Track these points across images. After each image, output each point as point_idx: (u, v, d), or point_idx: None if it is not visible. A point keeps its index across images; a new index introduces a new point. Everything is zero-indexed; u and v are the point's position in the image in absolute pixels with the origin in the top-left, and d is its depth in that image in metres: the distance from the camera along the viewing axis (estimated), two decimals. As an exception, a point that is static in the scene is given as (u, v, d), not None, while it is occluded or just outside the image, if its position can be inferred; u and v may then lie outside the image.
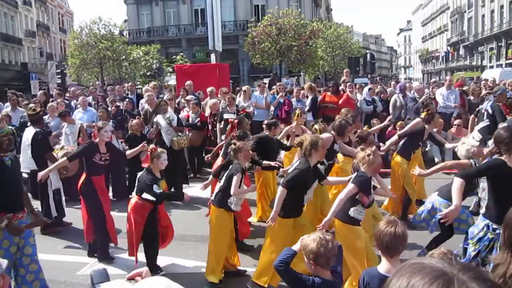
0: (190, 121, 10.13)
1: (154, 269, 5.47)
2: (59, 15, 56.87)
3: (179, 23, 41.57)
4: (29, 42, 46.71)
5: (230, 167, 5.41)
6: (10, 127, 8.10)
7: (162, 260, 5.92)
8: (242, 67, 40.06)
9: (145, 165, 5.72)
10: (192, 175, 10.48)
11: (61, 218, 7.60)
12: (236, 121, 7.80)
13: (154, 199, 5.38)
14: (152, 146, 5.85)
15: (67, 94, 14.24)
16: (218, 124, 10.22)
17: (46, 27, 51.40)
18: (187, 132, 9.85)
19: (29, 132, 7.32)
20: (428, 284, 0.83)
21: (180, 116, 9.94)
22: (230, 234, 5.40)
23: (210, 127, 10.61)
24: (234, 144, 5.51)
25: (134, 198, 5.61)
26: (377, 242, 3.07)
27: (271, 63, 31.49)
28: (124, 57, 31.90)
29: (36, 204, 8.37)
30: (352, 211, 4.52)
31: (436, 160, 10.35)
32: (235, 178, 5.13)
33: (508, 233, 1.80)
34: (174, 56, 30.70)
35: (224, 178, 5.39)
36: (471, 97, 12.04)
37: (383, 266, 3.06)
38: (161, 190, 5.40)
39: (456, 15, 60.24)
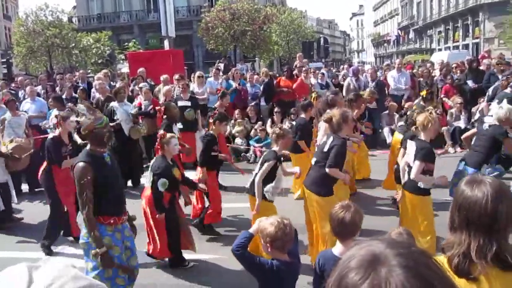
0: (142, 109, 9.93)
1: (180, 263, 5.33)
2: (2, 1, 54.13)
3: (131, 9, 40.55)
4: (-30, 30, 44.37)
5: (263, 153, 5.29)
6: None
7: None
8: (197, 53, 39.63)
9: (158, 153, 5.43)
10: (149, 163, 10.32)
11: (10, 213, 7.32)
12: (163, 107, 7.70)
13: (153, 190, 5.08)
14: (161, 132, 5.58)
15: (13, 84, 13.66)
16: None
17: (-11, 14, 48.92)
18: (141, 121, 9.67)
19: None
20: (355, 271, 0.86)
21: (133, 104, 9.77)
22: None
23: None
24: (280, 128, 5.27)
25: (148, 189, 5.27)
26: (331, 224, 3.14)
27: (225, 49, 31.30)
28: (73, 44, 30.88)
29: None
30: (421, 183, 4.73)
31: (388, 141, 10.65)
32: (265, 165, 4.95)
33: (465, 213, 1.84)
34: (126, 43, 30.01)
35: (258, 164, 5.18)
36: (421, 79, 12.41)
37: (338, 249, 3.10)
38: (164, 189, 4.98)
39: (406, 0, 61.67)
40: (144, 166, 9.90)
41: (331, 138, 4.90)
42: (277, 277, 3.03)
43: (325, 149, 4.89)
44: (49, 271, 0.89)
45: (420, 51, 50.45)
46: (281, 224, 2.95)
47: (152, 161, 5.49)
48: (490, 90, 10.47)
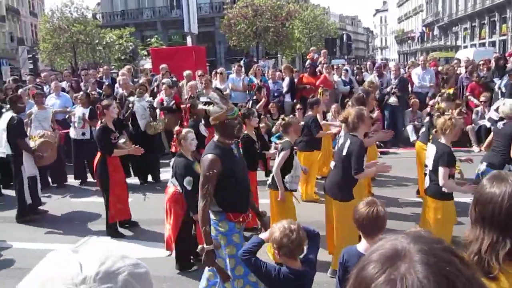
0: (164, 105, 10.00)
1: (186, 266, 5.29)
2: (29, -2, 55.21)
3: (154, 5, 40.91)
4: (-2, 27, 45.32)
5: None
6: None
7: (140, 248, 5.88)
8: (219, 50, 39.75)
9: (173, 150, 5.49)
10: (172, 159, 10.42)
11: (37, 206, 7.47)
12: (188, 105, 7.68)
13: (180, 191, 5.01)
14: (176, 128, 5.59)
15: (38, 80, 13.91)
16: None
17: (16, 11, 49.84)
18: (163, 116, 9.74)
19: (6, 116, 7.18)
20: (374, 264, 0.86)
21: (155, 100, 9.88)
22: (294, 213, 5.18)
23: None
24: (283, 119, 5.32)
25: (172, 187, 5.28)
26: (355, 222, 3.07)
27: (247, 45, 31.29)
28: (97, 41, 31.28)
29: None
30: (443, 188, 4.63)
31: (411, 139, 10.50)
32: (280, 155, 4.96)
33: (480, 209, 1.80)
34: (149, 40, 30.25)
35: (277, 157, 5.20)
36: (445, 77, 12.17)
37: (363, 245, 3.06)
38: (190, 187, 4.80)
39: (431, -5, 60.69)
40: (167, 161, 10.00)
41: (348, 141, 4.79)
42: (284, 285, 2.91)
43: (344, 152, 4.78)
44: (97, 252, 0.93)
45: (445, 48, 49.60)
46: (287, 230, 2.81)
47: (171, 161, 5.45)
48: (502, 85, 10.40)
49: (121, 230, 6.57)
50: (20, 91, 10.17)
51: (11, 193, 8.61)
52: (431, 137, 6.20)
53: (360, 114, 4.78)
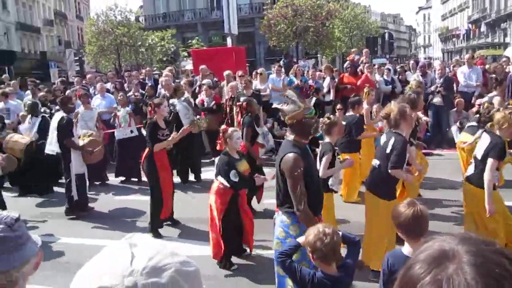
0: (205, 105, 10.12)
1: (228, 265, 5.35)
2: (75, 3, 57.11)
3: (195, 7, 41.45)
4: (47, 31, 47.08)
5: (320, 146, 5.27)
6: None
7: (182, 246, 5.98)
8: (259, 50, 39.86)
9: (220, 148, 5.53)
10: (213, 159, 10.55)
11: (85, 203, 7.71)
12: (244, 103, 7.72)
13: (228, 185, 5.14)
14: (223, 127, 5.68)
15: (83, 81, 14.35)
16: (235, 108, 10.18)
17: (63, 15, 51.70)
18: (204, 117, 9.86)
19: (57, 116, 7.48)
20: (421, 264, 0.86)
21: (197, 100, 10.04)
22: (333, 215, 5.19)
23: (228, 110, 10.57)
24: (329, 118, 5.30)
25: (216, 182, 5.35)
26: (399, 226, 2.97)
27: (287, 45, 31.22)
28: (140, 43, 32.02)
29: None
30: None
31: (456, 140, 10.19)
32: (324, 159, 4.97)
33: None
34: (190, 41, 30.70)
35: (318, 160, 5.16)
36: (494, 75, 11.74)
37: (407, 248, 2.98)
38: (237, 179, 5.03)
39: (477, -9, 58.73)
40: (208, 161, 10.13)
41: (392, 138, 4.69)
42: None
43: (388, 150, 4.69)
44: (149, 247, 0.95)
45: (493, 45, 47.84)
46: (321, 234, 2.78)
47: (216, 160, 5.53)
48: None
49: (163, 228, 6.69)
50: (68, 92, 10.55)
51: (62, 190, 8.96)
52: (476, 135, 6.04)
53: (403, 111, 4.70)
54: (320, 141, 6.46)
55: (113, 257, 0.94)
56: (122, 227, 6.93)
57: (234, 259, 5.52)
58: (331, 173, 5.03)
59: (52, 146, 7.55)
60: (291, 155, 3.54)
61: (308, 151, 3.78)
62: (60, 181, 9.59)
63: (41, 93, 10.76)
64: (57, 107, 8.33)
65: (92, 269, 0.94)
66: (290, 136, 3.73)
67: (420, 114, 7.33)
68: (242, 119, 7.40)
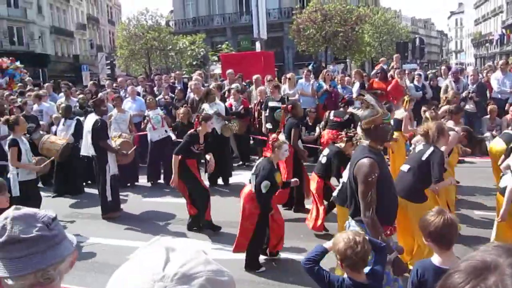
0: (233, 110, 10.17)
1: (254, 267, 5.37)
2: (107, 8, 58.34)
3: (224, 12, 41.75)
4: (80, 35, 48.21)
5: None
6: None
7: (210, 247, 6.01)
8: (287, 55, 39.82)
9: (266, 154, 5.64)
10: (240, 162, 10.60)
11: (117, 204, 7.82)
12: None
13: (253, 191, 5.19)
14: (273, 135, 5.76)
15: (114, 85, 14.63)
16: (263, 112, 10.20)
17: (96, 19, 52.87)
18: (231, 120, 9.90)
19: (91, 119, 7.60)
20: (460, 274, 0.85)
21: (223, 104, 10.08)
22: None
23: (256, 115, 10.59)
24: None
25: (248, 186, 5.39)
26: (430, 236, 2.90)
27: (316, 50, 31.10)
28: (170, 47, 32.43)
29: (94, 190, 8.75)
30: None
31: (489, 148, 9.95)
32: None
33: None
34: (219, 45, 30.93)
35: (346, 171, 5.11)
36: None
37: (437, 258, 2.93)
38: (266, 190, 5.05)
39: (512, -4, 57.30)
40: (235, 165, 10.17)
41: (431, 148, 4.78)
42: None
43: (424, 158, 4.77)
44: (184, 253, 0.95)
45: (527, 51, 46.58)
46: (352, 242, 2.74)
47: (257, 162, 5.54)
48: None
49: (191, 232, 6.75)
50: (100, 95, 10.76)
51: (92, 191, 9.14)
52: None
53: (441, 128, 4.89)
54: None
55: (148, 260, 0.94)
56: (151, 229, 7.02)
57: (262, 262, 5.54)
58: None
59: (87, 148, 7.69)
60: (366, 160, 3.44)
61: (383, 158, 3.68)
62: (89, 182, 9.82)
63: (80, 96, 11.01)
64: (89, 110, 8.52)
65: (127, 270, 0.94)
66: (364, 142, 3.64)
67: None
68: (286, 121, 7.48)
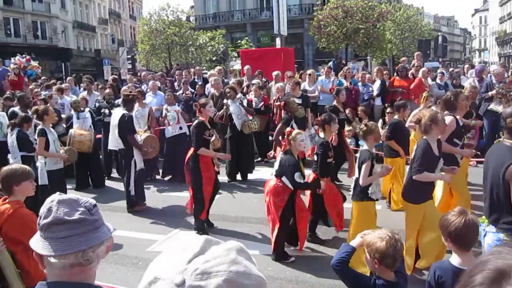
0: (253, 106, 10.16)
1: (282, 257, 5.51)
2: (129, 3, 58.85)
3: (244, 7, 41.73)
4: (102, 30, 48.75)
5: (359, 154, 5.30)
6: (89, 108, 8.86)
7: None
8: (307, 51, 39.65)
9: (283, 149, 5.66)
10: (259, 159, 10.61)
11: (143, 197, 7.90)
12: (282, 103, 7.68)
13: (292, 187, 5.31)
14: (288, 129, 5.86)
15: (134, 79, 14.75)
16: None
17: (118, 14, 53.40)
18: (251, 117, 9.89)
19: (117, 113, 7.68)
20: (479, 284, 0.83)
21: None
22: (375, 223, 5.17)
23: (275, 111, 10.58)
24: (366, 125, 5.29)
25: (273, 180, 5.51)
26: (450, 236, 2.86)
27: (336, 47, 30.86)
28: (191, 42, 32.53)
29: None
30: None
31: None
32: (363, 167, 4.95)
33: None
34: (239, 41, 30.90)
35: (357, 167, 5.23)
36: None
37: (456, 259, 2.88)
38: (302, 180, 5.28)
39: (538, -7, 56.01)
40: (255, 161, 10.17)
41: (416, 145, 4.73)
42: None
43: (412, 155, 4.77)
44: (215, 249, 0.97)
45: (554, 50, 45.53)
46: (393, 240, 2.74)
47: (279, 157, 5.65)
48: None
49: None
50: (122, 89, 10.86)
51: (112, 184, 9.26)
52: None
53: (434, 117, 4.63)
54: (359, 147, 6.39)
55: (181, 251, 0.96)
56: (170, 222, 7.10)
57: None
58: (370, 181, 4.94)
59: (115, 142, 7.76)
60: None
61: None
62: (112, 175, 9.95)
63: (107, 91, 11.12)
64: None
65: (162, 258, 0.98)
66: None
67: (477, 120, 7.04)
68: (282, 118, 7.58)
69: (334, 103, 8.49)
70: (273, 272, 5.30)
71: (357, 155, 9.94)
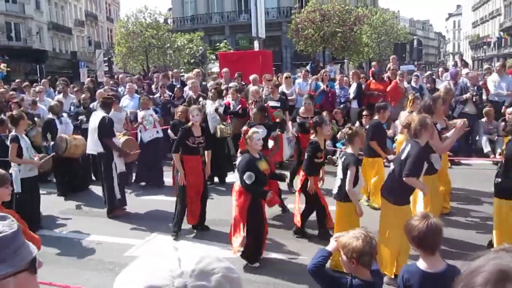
0: (231, 109, 10.15)
1: (252, 260, 5.45)
2: (106, 5, 58.16)
3: (222, 10, 41.71)
4: (78, 31, 48.08)
5: (343, 157, 5.29)
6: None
7: (208, 248, 6.01)
8: (285, 54, 39.82)
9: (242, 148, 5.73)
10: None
11: (124, 201, 7.77)
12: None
13: (240, 185, 5.30)
14: (244, 128, 5.83)
15: (111, 82, 14.58)
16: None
17: (94, 16, 52.73)
18: (229, 121, 9.88)
19: (97, 116, 7.52)
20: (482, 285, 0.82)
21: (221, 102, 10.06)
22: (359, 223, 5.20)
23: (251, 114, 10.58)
24: (351, 129, 5.36)
25: (237, 183, 5.50)
26: (414, 241, 2.93)
27: (314, 50, 31.10)
28: (168, 45, 32.36)
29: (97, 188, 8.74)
30: None
31: (485, 150, 10.00)
32: (349, 173, 5.00)
33: None
34: (217, 44, 30.88)
35: (340, 169, 5.27)
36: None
37: (423, 263, 2.95)
38: (251, 181, 5.15)
39: (510, -1, 57.47)
40: (234, 163, 10.15)
41: (409, 146, 4.74)
42: None
43: (403, 157, 4.73)
44: (195, 251, 0.98)
45: (525, 54, 46.74)
46: (368, 237, 2.79)
47: (238, 159, 5.65)
48: None
49: (189, 230, 6.74)
50: (98, 92, 10.72)
51: (93, 188, 9.11)
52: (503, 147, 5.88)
53: (424, 122, 4.73)
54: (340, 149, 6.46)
55: (160, 257, 0.96)
56: (147, 227, 7.03)
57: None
58: (416, 183, 4.79)
59: (93, 146, 7.61)
60: None
61: None
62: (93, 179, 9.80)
63: (83, 95, 10.93)
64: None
65: (140, 268, 0.96)
66: None
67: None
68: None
69: (301, 110, 8.57)
70: (250, 275, 5.30)
71: (337, 155, 10.09)
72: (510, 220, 4.97)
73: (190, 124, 6.60)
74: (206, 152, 6.72)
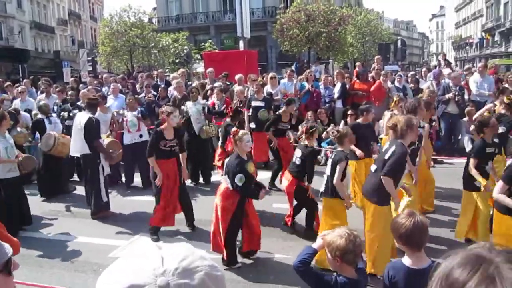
0: (216, 109, 10.13)
1: (231, 263, 5.43)
2: (89, 3, 57.56)
3: (208, 10, 41.60)
4: (61, 31, 47.50)
5: (334, 155, 5.34)
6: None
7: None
8: (270, 54, 39.87)
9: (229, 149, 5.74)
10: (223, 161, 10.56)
11: (108, 204, 7.68)
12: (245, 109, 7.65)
13: (231, 187, 5.26)
14: (234, 129, 5.76)
15: (95, 82, 14.44)
16: (246, 112, 10.20)
17: (78, 15, 52.14)
18: (214, 121, 9.86)
19: (82, 117, 7.37)
20: (461, 267, 0.86)
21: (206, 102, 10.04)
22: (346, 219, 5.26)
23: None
24: (338, 131, 5.40)
25: (223, 184, 5.47)
26: (400, 238, 2.97)
27: (299, 50, 31.20)
28: (153, 44, 32.15)
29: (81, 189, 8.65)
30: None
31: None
32: (338, 168, 5.07)
33: None
34: (202, 43, 30.79)
35: (329, 166, 5.33)
36: (507, 85, 11.61)
37: (408, 259, 3.00)
38: (242, 183, 5.14)
39: (491, 0, 58.30)
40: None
41: (393, 146, 4.79)
42: None
43: (386, 156, 4.78)
44: (179, 249, 0.98)
45: (506, 55, 47.45)
46: (351, 236, 2.82)
47: (226, 160, 5.61)
48: None
49: (174, 229, 6.71)
50: (81, 92, 10.62)
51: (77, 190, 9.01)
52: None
53: (410, 122, 4.80)
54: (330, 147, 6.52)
55: (142, 257, 0.96)
56: (131, 228, 6.98)
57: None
58: (391, 187, 4.81)
59: (78, 148, 7.45)
60: None
61: None
62: (73, 180, 9.70)
63: (69, 92, 10.80)
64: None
65: (122, 267, 0.96)
66: None
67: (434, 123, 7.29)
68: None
69: (281, 111, 8.58)
70: (236, 275, 5.30)
71: (322, 155, 10.14)
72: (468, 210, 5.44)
73: (162, 127, 6.49)
74: (181, 155, 6.65)
